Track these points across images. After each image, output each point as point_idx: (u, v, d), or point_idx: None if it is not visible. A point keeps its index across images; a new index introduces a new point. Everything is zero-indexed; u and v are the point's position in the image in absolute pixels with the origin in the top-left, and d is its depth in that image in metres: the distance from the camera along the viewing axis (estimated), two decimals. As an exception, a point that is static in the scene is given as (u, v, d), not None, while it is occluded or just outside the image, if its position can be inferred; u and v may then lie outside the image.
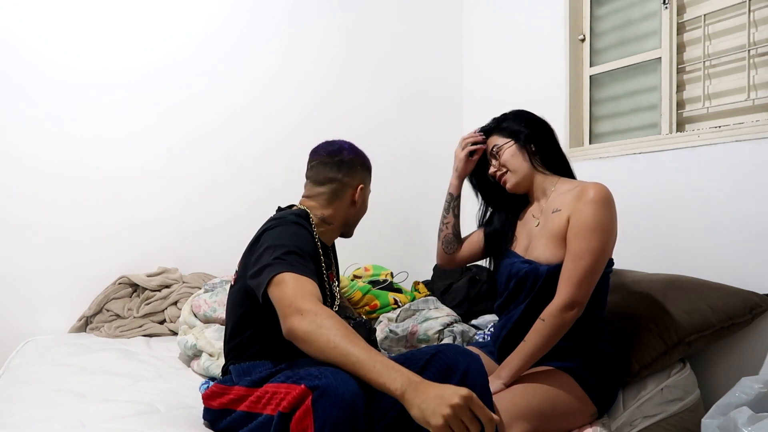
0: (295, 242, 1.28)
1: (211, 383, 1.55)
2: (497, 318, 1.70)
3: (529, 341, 1.43)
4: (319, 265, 1.39)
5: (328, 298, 1.43)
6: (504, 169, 1.61)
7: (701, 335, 1.63)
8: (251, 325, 1.36)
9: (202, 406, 1.38)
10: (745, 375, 1.50)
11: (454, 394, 0.96)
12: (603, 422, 1.50)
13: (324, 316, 1.10)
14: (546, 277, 1.47)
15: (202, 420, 1.39)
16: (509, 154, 1.60)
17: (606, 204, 1.44)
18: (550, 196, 1.57)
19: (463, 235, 1.80)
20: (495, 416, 0.99)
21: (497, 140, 1.63)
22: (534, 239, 1.56)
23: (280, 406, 1.04)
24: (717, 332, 1.66)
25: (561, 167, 1.62)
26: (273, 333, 1.25)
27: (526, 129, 1.60)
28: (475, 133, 1.70)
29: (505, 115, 1.67)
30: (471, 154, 1.70)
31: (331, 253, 1.58)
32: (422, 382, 1.00)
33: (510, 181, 1.60)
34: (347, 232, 1.60)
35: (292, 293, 1.15)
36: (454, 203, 1.75)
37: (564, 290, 1.42)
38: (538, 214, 1.59)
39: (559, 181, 1.59)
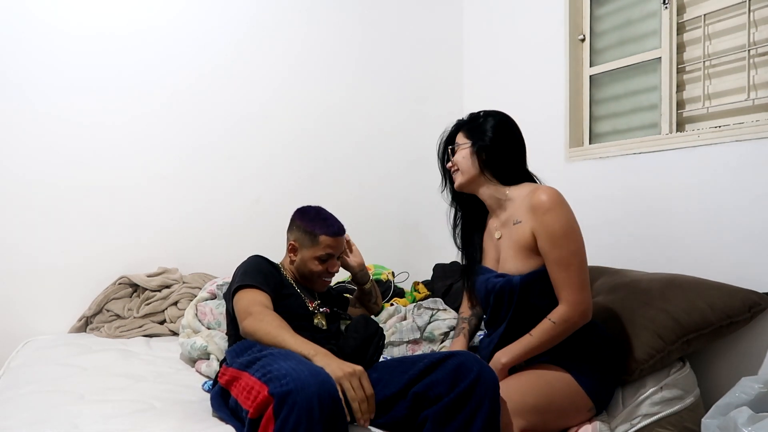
0: (245, 268, 1.65)
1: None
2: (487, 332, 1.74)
3: (535, 336, 1.49)
4: (284, 285, 1.69)
5: (304, 318, 1.66)
6: (455, 167, 1.68)
7: (700, 334, 1.63)
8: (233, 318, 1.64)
9: (201, 402, 1.54)
10: (745, 375, 1.51)
11: (351, 365, 1.27)
12: (602, 419, 1.50)
13: (264, 314, 1.47)
14: (521, 287, 1.52)
15: (210, 403, 1.47)
16: (461, 156, 1.66)
17: (562, 206, 1.50)
18: (507, 208, 1.61)
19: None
20: (371, 395, 1.25)
21: (460, 138, 1.69)
22: (502, 252, 1.61)
23: (251, 410, 1.20)
24: (716, 331, 1.65)
25: (516, 180, 1.64)
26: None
27: (488, 138, 1.62)
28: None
29: (483, 113, 1.69)
30: None
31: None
32: (330, 354, 1.31)
33: (457, 179, 1.68)
34: (308, 285, 1.76)
35: (244, 303, 1.53)
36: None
37: (569, 296, 1.47)
38: (500, 227, 1.64)
39: (508, 189, 1.62)
